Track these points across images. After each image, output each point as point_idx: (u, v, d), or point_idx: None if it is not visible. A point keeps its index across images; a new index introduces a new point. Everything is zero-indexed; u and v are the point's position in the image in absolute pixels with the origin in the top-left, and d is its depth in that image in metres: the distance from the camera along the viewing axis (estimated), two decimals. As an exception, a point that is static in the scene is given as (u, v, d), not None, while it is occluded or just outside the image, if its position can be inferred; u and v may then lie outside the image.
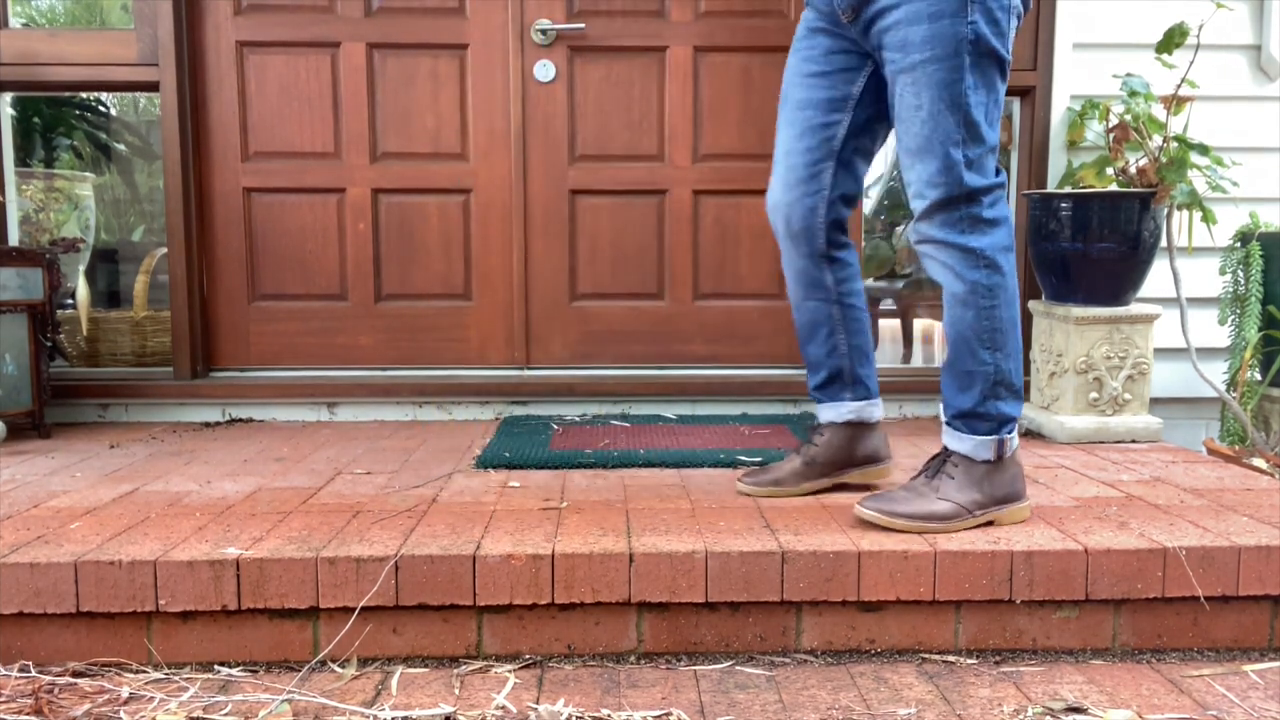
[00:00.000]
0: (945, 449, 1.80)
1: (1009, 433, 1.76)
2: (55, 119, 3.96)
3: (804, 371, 3.00)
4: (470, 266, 2.98)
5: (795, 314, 1.95)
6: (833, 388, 1.95)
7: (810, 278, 1.89)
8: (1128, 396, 2.54)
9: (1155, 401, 2.82)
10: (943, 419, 1.81)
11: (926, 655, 1.64)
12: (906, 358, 3.94)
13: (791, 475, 1.95)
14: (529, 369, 3.00)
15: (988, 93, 1.67)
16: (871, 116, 1.83)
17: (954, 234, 1.69)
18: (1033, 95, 2.85)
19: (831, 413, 1.96)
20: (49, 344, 2.62)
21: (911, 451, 2.41)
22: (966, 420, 1.76)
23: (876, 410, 1.97)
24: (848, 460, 1.96)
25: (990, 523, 1.74)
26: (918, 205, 1.71)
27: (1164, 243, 2.59)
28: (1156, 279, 2.64)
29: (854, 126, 1.82)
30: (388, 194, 2.96)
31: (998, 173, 1.71)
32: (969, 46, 1.63)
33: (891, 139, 1.84)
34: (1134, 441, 2.54)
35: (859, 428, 1.96)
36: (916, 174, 1.70)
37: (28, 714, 1.39)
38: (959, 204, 1.68)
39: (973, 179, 1.67)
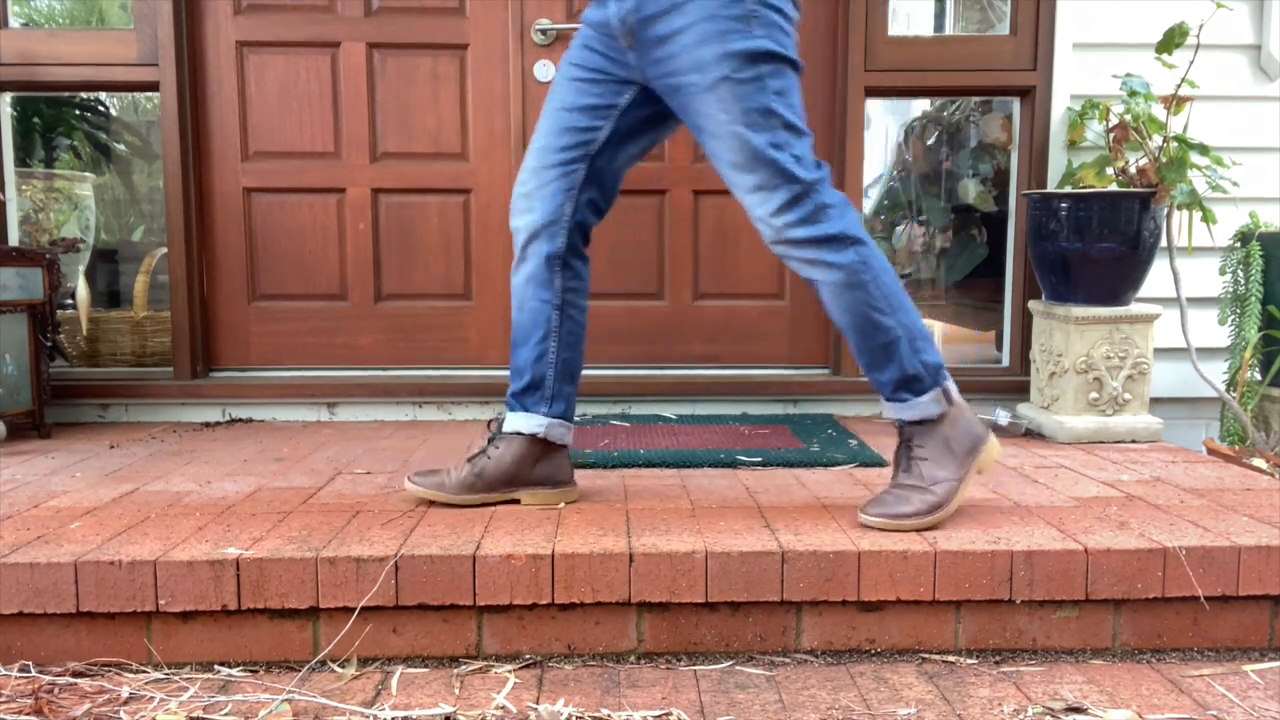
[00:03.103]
0: (901, 429, 1.80)
1: (945, 379, 1.78)
2: (55, 119, 3.96)
3: (804, 371, 3.02)
4: (470, 266, 2.98)
5: (515, 314, 1.88)
6: (531, 396, 1.87)
7: (542, 278, 1.85)
8: (1128, 396, 2.54)
9: (1155, 401, 2.82)
10: (884, 401, 1.80)
11: (926, 655, 1.64)
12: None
13: (456, 484, 1.87)
14: (529, 369, 3.00)
15: (789, 91, 1.70)
16: (634, 129, 1.83)
17: (812, 228, 1.69)
18: (1032, 95, 2.86)
19: (520, 422, 1.87)
20: (49, 344, 2.62)
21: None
22: (906, 388, 1.76)
23: (569, 435, 1.91)
24: (519, 478, 1.88)
25: (979, 472, 1.83)
26: (763, 213, 1.70)
27: (1164, 243, 2.59)
28: (1156, 279, 2.64)
29: (615, 134, 1.82)
30: (388, 194, 2.96)
31: (819, 165, 1.72)
32: (764, 57, 1.66)
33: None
34: (1134, 441, 2.54)
35: (545, 446, 1.89)
36: (750, 185, 1.70)
37: (28, 714, 1.39)
38: (803, 199, 1.68)
39: (806, 172, 1.68)
